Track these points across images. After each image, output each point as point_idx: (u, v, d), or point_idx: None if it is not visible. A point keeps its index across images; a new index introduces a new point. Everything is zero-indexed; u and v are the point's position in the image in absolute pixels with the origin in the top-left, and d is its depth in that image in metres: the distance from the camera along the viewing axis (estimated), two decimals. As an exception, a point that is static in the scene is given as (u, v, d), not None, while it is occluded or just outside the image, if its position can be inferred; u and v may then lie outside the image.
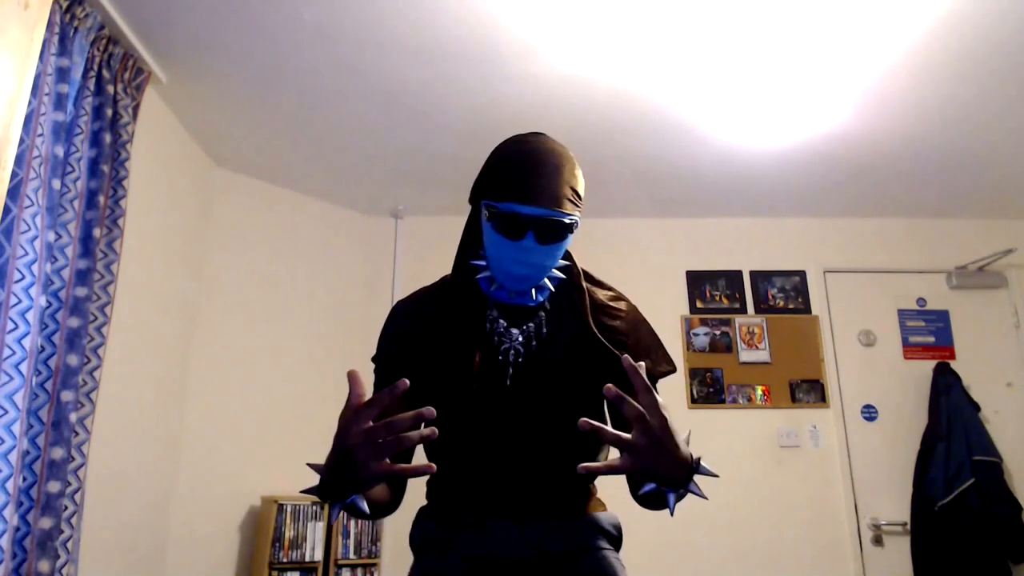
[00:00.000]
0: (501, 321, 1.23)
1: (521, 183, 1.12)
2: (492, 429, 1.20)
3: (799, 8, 2.28)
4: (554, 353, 1.21)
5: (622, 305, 1.30)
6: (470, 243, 1.25)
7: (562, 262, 1.25)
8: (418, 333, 1.25)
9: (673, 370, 1.29)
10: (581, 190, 1.18)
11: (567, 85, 2.72)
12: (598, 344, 1.21)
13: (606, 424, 1.27)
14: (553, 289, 1.24)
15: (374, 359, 1.31)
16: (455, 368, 1.21)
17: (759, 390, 3.67)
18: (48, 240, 2.02)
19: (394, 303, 1.34)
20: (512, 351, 1.21)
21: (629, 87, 2.73)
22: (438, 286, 1.32)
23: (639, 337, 1.27)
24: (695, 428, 4.03)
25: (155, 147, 2.82)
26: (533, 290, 1.22)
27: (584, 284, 1.27)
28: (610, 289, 1.33)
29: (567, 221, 1.14)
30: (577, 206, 1.16)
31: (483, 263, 1.23)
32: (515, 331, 1.22)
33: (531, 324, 1.23)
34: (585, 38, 2.45)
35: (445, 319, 1.24)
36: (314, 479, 1.01)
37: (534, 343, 1.22)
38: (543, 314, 1.24)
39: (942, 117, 2.92)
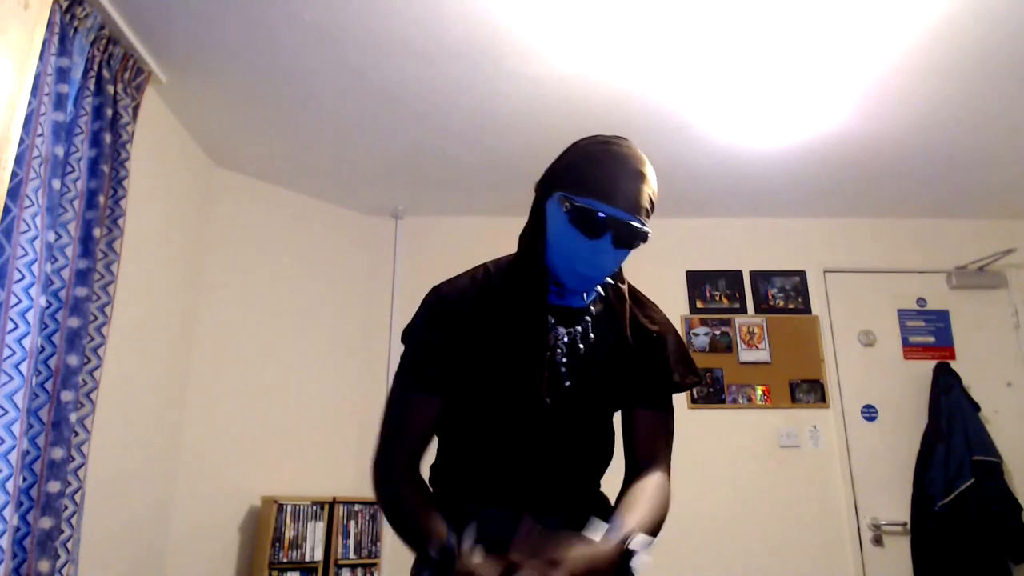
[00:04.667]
0: (549, 317, 1.23)
1: (610, 183, 1.11)
2: (524, 426, 1.21)
3: (799, 8, 2.28)
4: (595, 358, 1.23)
5: (656, 315, 1.32)
6: (537, 234, 1.21)
7: None
8: (460, 323, 1.21)
9: (699, 381, 1.32)
10: (656, 201, 1.18)
11: (567, 85, 2.72)
12: (633, 354, 1.24)
13: (612, 429, 1.31)
14: (603, 293, 1.27)
15: (407, 338, 1.25)
16: (494, 361, 1.19)
17: (759, 390, 3.67)
18: (48, 240, 2.02)
19: (432, 288, 1.28)
20: (558, 350, 1.22)
21: (629, 87, 2.73)
22: (482, 275, 1.27)
23: (671, 347, 1.29)
24: (695, 428, 4.03)
25: (155, 147, 2.82)
26: (585, 293, 1.23)
27: (627, 293, 1.29)
28: (647, 300, 1.34)
29: (643, 231, 1.14)
30: (649, 217, 1.16)
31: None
32: (561, 330, 1.23)
33: (578, 327, 1.24)
34: (585, 39, 2.45)
35: (502, 314, 1.21)
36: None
37: (581, 347, 1.23)
38: (588, 319, 1.25)
39: (942, 117, 2.92)
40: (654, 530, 1.13)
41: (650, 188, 1.15)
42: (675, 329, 1.33)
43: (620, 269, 1.29)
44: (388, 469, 1.20)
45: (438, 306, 1.24)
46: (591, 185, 1.12)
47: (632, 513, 1.12)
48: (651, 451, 1.26)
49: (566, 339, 1.22)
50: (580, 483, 1.27)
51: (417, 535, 1.09)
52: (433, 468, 1.31)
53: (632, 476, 1.24)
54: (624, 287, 1.29)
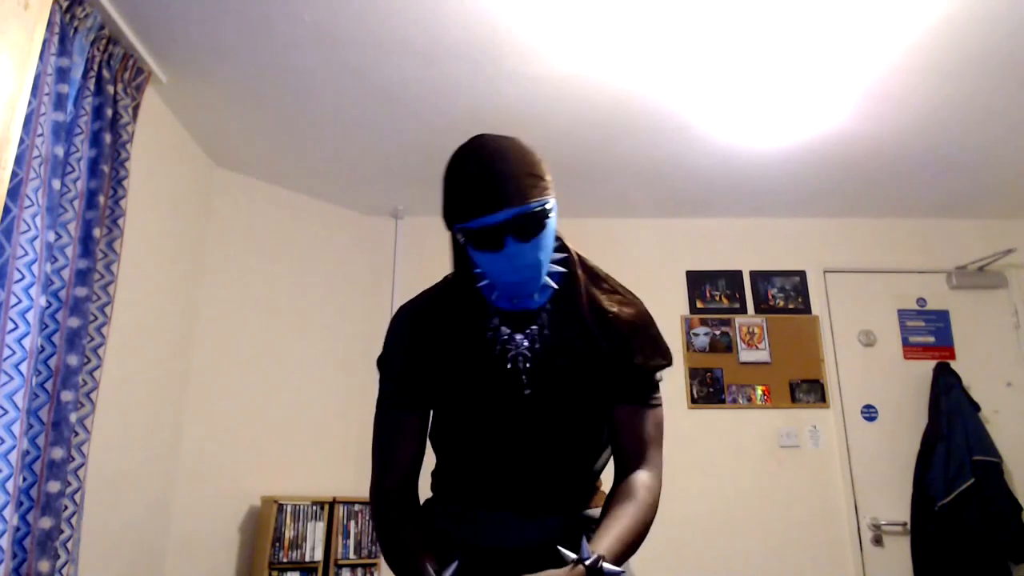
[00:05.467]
0: (504, 328, 1.22)
1: (476, 195, 1.09)
2: (501, 433, 1.21)
3: (799, 8, 2.28)
4: (559, 354, 1.21)
5: (619, 298, 1.25)
6: (462, 261, 1.23)
7: (558, 255, 1.23)
8: (425, 341, 1.24)
9: (667, 364, 1.24)
10: (541, 171, 1.14)
11: (567, 85, 2.72)
12: (595, 342, 1.20)
13: (602, 426, 1.27)
14: (556, 287, 1.22)
15: (380, 364, 1.29)
16: (462, 379, 1.21)
17: (759, 390, 3.67)
18: (48, 240, 2.01)
19: (398, 307, 1.33)
20: (520, 357, 1.20)
21: (629, 87, 2.73)
22: (440, 288, 1.30)
23: (635, 330, 1.23)
24: (695, 428, 4.02)
25: (155, 147, 2.82)
26: (536, 292, 1.20)
27: (581, 275, 1.24)
28: (608, 280, 1.28)
29: (537, 209, 1.10)
30: (543, 189, 1.12)
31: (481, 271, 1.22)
32: (519, 336, 1.21)
33: (534, 327, 1.22)
34: (585, 38, 2.45)
35: (448, 329, 1.23)
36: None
37: (538, 346, 1.21)
38: (545, 315, 1.23)
39: (942, 117, 2.92)
40: (634, 543, 1.11)
41: (523, 166, 1.11)
42: (642, 310, 1.26)
43: (568, 252, 1.24)
44: (380, 502, 1.22)
45: (401, 328, 1.28)
46: (462, 207, 1.11)
47: (607, 533, 1.09)
48: (634, 448, 1.22)
49: (525, 343, 1.21)
50: (571, 482, 1.26)
51: (401, 570, 1.12)
52: (433, 474, 1.34)
53: (619, 476, 1.22)
54: (579, 273, 1.24)
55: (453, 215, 1.14)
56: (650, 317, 1.26)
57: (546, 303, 1.23)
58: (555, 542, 1.10)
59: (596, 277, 1.27)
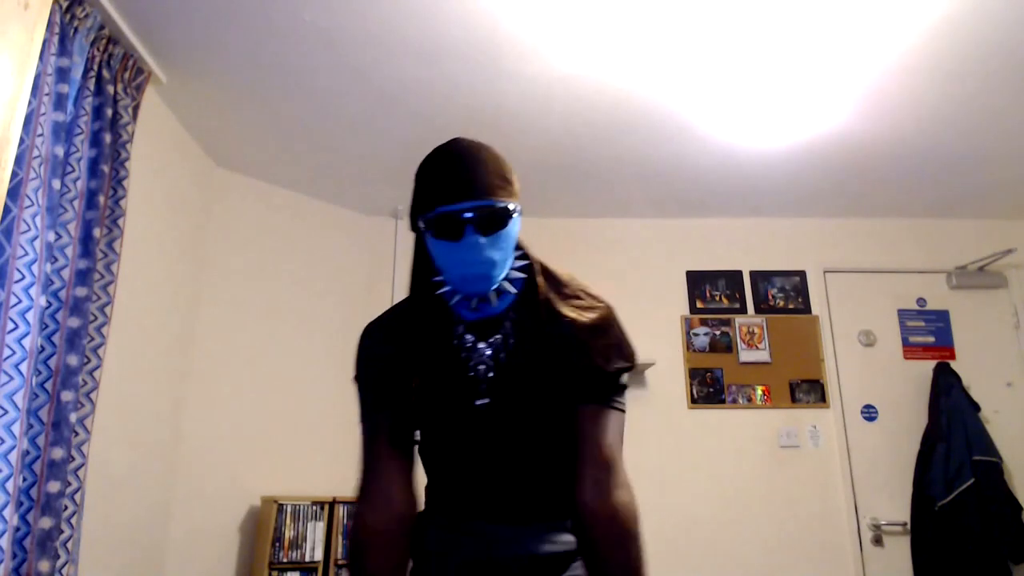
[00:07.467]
0: (468, 336, 1.22)
1: (444, 184, 1.13)
2: (472, 443, 1.21)
3: (799, 8, 2.28)
4: (523, 363, 1.20)
5: (579, 303, 1.24)
6: (423, 269, 1.24)
7: (520, 262, 1.23)
8: (391, 354, 1.24)
9: (630, 366, 1.23)
10: (510, 178, 1.17)
11: (567, 85, 2.72)
12: (554, 350, 1.19)
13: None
14: (515, 292, 1.23)
15: (355, 382, 1.30)
16: (429, 389, 1.21)
17: (759, 390, 3.67)
18: (48, 240, 2.02)
19: (366, 325, 1.33)
20: (483, 366, 1.20)
21: (629, 87, 2.73)
22: (405, 304, 1.30)
23: (594, 334, 1.21)
24: (695, 428, 4.02)
25: (155, 147, 2.82)
26: (494, 296, 1.20)
27: (541, 283, 1.23)
28: (571, 285, 1.27)
29: (500, 206, 1.13)
30: (509, 193, 1.15)
31: (440, 279, 1.22)
32: (482, 345, 1.21)
33: (498, 336, 1.21)
34: (585, 38, 2.46)
35: (413, 339, 1.23)
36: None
37: (503, 355, 1.20)
38: (509, 324, 1.22)
39: (942, 117, 2.92)
40: None
41: (493, 166, 1.15)
42: (604, 314, 1.23)
43: (528, 259, 1.24)
44: (360, 545, 1.20)
45: (368, 343, 1.29)
46: (430, 196, 1.14)
47: None
48: (593, 448, 1.17)
49: (489, 352, 1.21)
50: (549, 490, 1.23)
51: None
52: (425, 487, 1.33)
53: (581, 479, 1.17)
54: (537, 276, 1.24)
55: (420, 205, 1.17)
56: (613, 320, 1.25)
57: (510, 311, 1.23)
58: (544, 550, 1.09)
59: (557, 283, 1.26)
